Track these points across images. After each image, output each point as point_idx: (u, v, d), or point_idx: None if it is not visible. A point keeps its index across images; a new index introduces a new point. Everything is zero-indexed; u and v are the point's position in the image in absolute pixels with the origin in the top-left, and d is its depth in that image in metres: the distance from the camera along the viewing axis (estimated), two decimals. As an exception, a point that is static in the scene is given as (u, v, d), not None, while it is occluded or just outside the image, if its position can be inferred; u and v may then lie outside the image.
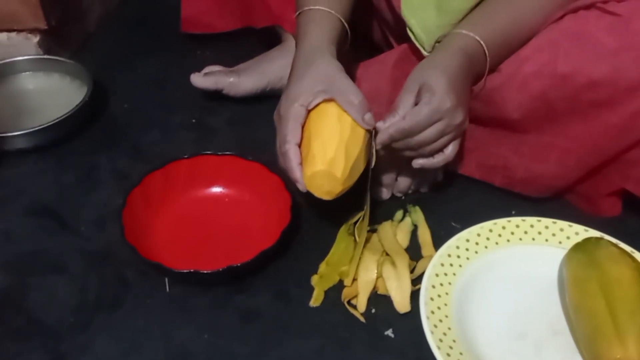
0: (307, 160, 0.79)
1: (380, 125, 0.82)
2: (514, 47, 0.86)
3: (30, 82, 1.18)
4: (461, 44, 0.83)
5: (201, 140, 1.10)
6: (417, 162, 0.85)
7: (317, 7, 0.88)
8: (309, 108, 0.82)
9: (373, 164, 0.85)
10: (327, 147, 0.79)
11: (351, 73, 1.00)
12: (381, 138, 0.82)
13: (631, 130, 0.82)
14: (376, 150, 0.84)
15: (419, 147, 0.82)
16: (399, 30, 0.97)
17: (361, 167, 0.82)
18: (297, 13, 0.91)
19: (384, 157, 0.96)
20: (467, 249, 0.83)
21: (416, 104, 0.81)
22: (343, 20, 0.90)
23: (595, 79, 0.80)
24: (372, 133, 0.83)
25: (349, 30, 0.91)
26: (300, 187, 0.81)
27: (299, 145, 0.81)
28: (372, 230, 0.90)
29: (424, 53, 0.92)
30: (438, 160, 0.85)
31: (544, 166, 0.90)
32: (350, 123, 0.80)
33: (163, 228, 0.91)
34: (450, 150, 0.84)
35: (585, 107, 0.83)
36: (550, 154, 0.88)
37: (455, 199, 0.97)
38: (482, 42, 0.83)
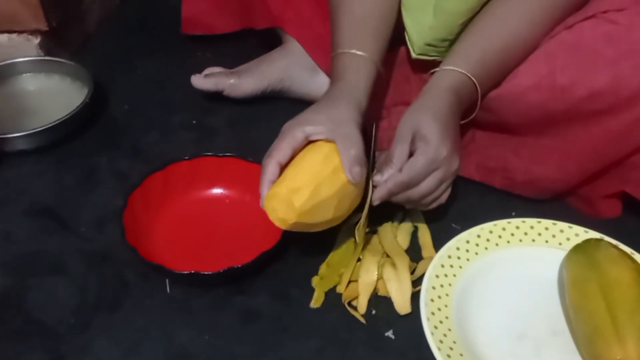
0: (276, 181, 0.79)
1: (377, 179, 0.81)
2: (507, 72, 0.86)
3: (31, 84, 1.18)
4: (450, 82, 0.83)
5: (201, 141, 1.10)
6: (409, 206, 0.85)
7: (353, 52, 0.87)
8: (310, 139, 0.81)
9: (368, 202, 0.83)
10: (299, 175, 0.78)
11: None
12: (380, 193, 0.80)
13: (631, 136, 0.82)
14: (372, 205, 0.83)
15: (421, 199, 0.82)
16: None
17: (328, 215, 0.79)
18: (335, 53, 0.89)
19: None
20: (467, 250, 0.83)
21: (411, 152, 0.80)
22: (378, 64, 0.88)
23: (595, 90, 0.80)
24: (368, 185, 0.83)
25: (382, 72, 0.90)
26: (260, 203, 0.79)
27: (282, 167, 0.80)
28: (373, 232, 0.90)
29: (413, 55, 0.93)
30: (432, 205, 0.84)
31: (543, 169, 0.90)
32: (334, 166, 0.78)
33: (163, 229, 0.91)
34: (445, 196, 0.84)
35: (585, 115, 0.83)
36: (550, 157, 0.89)
37: (455, 200, 0.97)
38: (472, 77, 0.83)
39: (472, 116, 0.87)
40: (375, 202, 0.82)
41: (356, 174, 0.78)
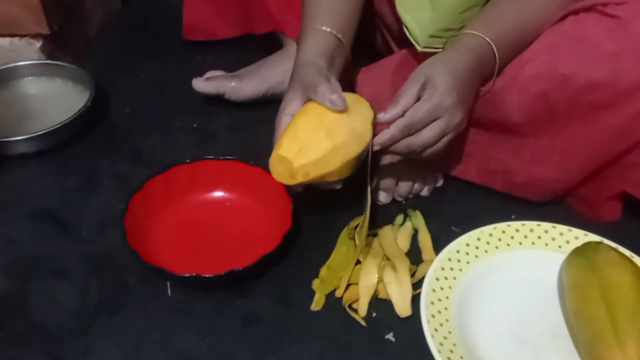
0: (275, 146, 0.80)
1: (381, 116, 0.81)
2: (521, 46, 0.87)
3: (33, 87, 1.19)
4: (471, 45, 0.83)
5: (202, 144, 1.10)
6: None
7: (314, 27, 0.89)
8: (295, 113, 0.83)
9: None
10: (289, 136, 0.79)
11: (352, 82, 1.01)
12: (382, 138, 0.81)
13: (630, 132, 0.82)
14: (377, 158, 0.83)
15: (422, 149, 0.82)
16: (400, 33, 0.97)
17: (331, 165, 0.79)
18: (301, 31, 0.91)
19: (385, 162, 0.97)
20: (467, 253, 0.84)
21: (419, 98, 0.80)
22: (339, 36, 0.89)
23: (595, 81, 0.80)
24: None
25: (347, 45, 0.91)
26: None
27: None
28: (373, 235, 0.90)
29: (418, 48, 0.93)
30: (429, 155, 0.84)
31: (544, 170, 0.90)
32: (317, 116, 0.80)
33: (164, 232, 0.91)
34: (442, 148, 0.83)
35: (585, 109, 0.83)
36: (551, 158, 0.89)
37: (455, 203, 0.97)
38: (492, 44, 0.83)
39: (488, 84, 0.87)
40: (376, 148, 0.82)
41: (335, 100, 0.79)
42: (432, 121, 0.80)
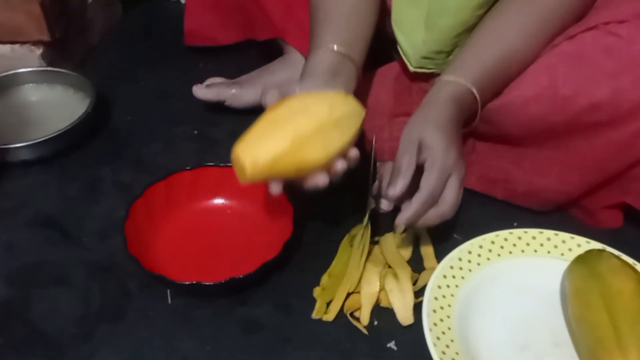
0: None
1: (392, 192, 0.78)
2: (506, 82, 0.86)
3: (34, 94, 1.19)
4: (451, 93, 0.82)
5: (203, 151, 1.10)
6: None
7: (319, 44, 0.87)
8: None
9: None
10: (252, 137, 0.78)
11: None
12: (405, 216, 0.78)
13: (633, 148, 0.82)
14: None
15: (452, 210, 0.80)
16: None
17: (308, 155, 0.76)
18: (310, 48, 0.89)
19: (387, 169, 0.97)
20: (469, 261, 0.84)
21: (418, 165, 0.79)
22: (346, 52, 0.86)
23: (596, 101, 0.80)
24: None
25: (356, 60, 0.88)
26: None
27: None
28: (374, 243, 0.90)
29: (410, 69, 0.94)
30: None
31: (545, 180, 0.90)
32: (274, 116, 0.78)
33: (165, 239, 0.91)
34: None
35: (586, 127, 0.83)
36: (552, 169, 0.89)
37: (457, 211, 0.97)
38: (472, 89, 0.83)
39: (472, 125, 0.87)
40: (402, 223, 0.80)
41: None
42: (446, 182, 0.79)
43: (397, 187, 0.77)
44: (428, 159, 0.78)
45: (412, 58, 0.94)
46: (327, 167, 0.77)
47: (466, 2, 0.87)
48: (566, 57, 0.82)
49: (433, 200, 0.78)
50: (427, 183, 0.77)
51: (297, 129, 0.75)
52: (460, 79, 0.83)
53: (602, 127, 0.82)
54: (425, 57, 0.93)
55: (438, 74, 0.87)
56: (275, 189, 0.78)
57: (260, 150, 0.75)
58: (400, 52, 0.95)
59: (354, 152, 0.79)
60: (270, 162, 0.74)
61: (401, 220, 0.79)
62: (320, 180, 0.77)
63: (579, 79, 0.81)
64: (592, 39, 0.81)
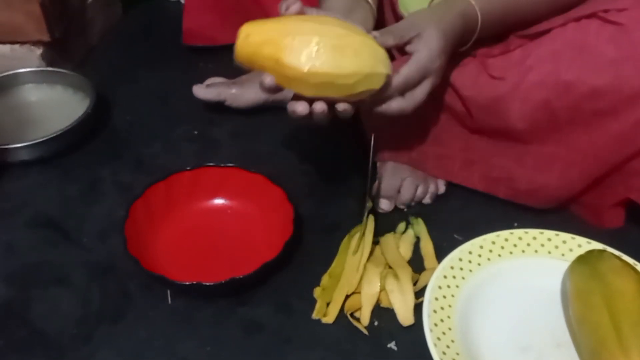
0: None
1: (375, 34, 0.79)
2: (508, 25, 0.87)
3: (33, 94, 1.19)
4: (461, 9, 0.84)
5: (204, 152, 1.10)
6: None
7: None
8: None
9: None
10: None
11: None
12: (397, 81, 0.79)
13: (633, 139, 0.82)
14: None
15: (414, 107, 0.81)
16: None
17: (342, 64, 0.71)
18: None
19: (387, 169, 0.97)
20: (469, 261, 0.83)
21: (405, 43, 0.80)
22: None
23: (597, 88, 0.81)
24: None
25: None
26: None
27: None
28: (375, 243, 0.90)
29: None
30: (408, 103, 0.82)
31: (547, 177, 0.90)
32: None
33: (165, 240, 0.91)
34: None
35: (588, 116, 0.83)
36: (554, 165, 0.89)
37: (458, 210, 0.97)
38: (479, 13, 0.84)
39: (464, 47, 0.87)
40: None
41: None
42: (422, 80, 0.80)
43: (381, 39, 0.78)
44: (417, 52, 0.79)
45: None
46: (312, 94, 0.73)
47: None
48: (571, 45, 0.83)
49: (404, 89, 0.80)
50: (408, 70, 0.79)
51: (314, 29, 0.70)
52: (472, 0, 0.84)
53: (603, 117, 0.82)
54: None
55: None
56: (269, 80, 0.74)
57: (259, 27, 0.72)
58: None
59: (344, 106, 0.75)
60: (259, 42, 0.71)
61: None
62: (299, 108, 0.74)
63: (581, 65, 0.82)
64: (596, 29, 0.82)
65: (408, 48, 0.81)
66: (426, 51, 0.79)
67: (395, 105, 0.80)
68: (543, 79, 0.84)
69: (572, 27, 0.84)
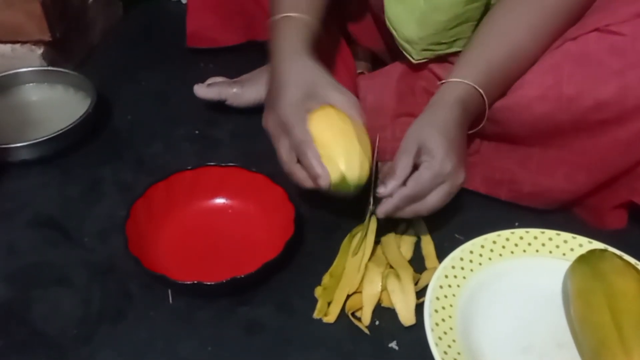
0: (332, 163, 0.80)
1: (381, 191, 0.80)
2: (513, 79, 0.86)
3: (34, 94, 1.19)
4: (457, 94, 0.83)
5: (204, 151, 1.10)
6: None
7: (287, 15, 0.88)
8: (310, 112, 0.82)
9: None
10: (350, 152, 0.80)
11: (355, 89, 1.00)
12: (385, 207, 0.80)
13: (639, 145, 0.82)
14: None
15: (428, 213, 0.82)
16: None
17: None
18: (269, 25, 0.90)
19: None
20: (470, 261, 0.83)
21: (415, 165, 0.80)
22: (315, 20, 0.89)
23: (601, 100, 0.80)
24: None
25: (317, 21, 0.90)
26: (324, 182, 0.79)
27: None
28: (376, 242, 0.90)
29: (413, 61, 0.94)
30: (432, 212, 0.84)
31: (551, 180, 0.89)
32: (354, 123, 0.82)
33: (166, 240, 0.91)
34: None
35: (592, 125, 0.83)
36: (558, 168, 0.88)
37: (458, 210, 0.97)
38: (479, 89, 0.83)
39: (479, 126, 0.87)
40: (380, 216, 0.81)
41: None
42: (435, 187, 0.79)
43: (388, 188, 0.79)
44: (425, 161, 0.78)
45: (413, 52, 0.94)
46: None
47: None
48: (571, 56, 0.82)
49: (415, 200, 0.80)
50: (416, 182, 0.79)
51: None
52: (466, 79, 0.83)
53: (608, 125, 0.82)
54: (425, 50, 0.93)
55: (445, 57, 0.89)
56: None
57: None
58: (400, 47, 0.95)
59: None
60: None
61: (379, 212, 0.81)
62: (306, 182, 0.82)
63: (583, 78, 0.81)
64: (596, 39, 0.81)
65: (417, 162, 0.80)
66: (430, 158, 0.78)
67: (408, 210, 0.81)
68: (544, 93, 0.83)
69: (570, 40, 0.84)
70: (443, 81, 0.86)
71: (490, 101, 0.84)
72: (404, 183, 0.79)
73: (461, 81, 0.83)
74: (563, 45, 0.84)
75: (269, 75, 0.88)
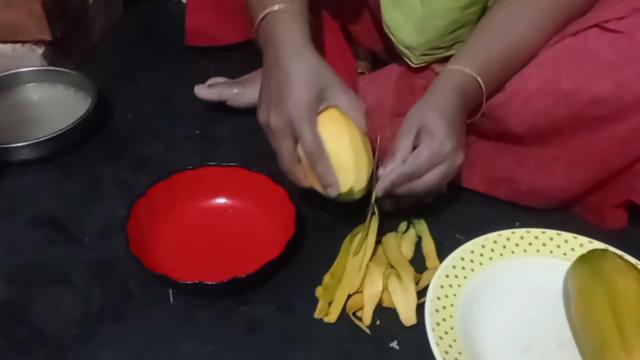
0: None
1: (380, 172, 0.81)
2: (512, 72, 0.86)
3: (35, 93, 1.19)
4: (457, 82, 0.83)
5: (205, 151, 1.10)
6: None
7: (282, 6, 0.84)
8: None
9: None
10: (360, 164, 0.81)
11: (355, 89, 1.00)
12: (383, 184, 0.81)
13: (636, 142, 0.82)
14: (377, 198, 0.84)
15: (424, 192, 0.82)
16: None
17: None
18: (262, 16, 0.86)
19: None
20: (471, 261, 0.83)
21: (415, 147, 0.81)
22: (306, 10, 0.86)
23: (599, 96, 0.80)
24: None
25: (312, 17, 0.88)
26: (333, 192, 0.81)
27: None
28: (376, 242, 0.90)
29: (412, 65, 0.95)
30: (431, 198, 0.85)
31: (549, 179, 0.90)
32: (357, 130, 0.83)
33: (167, 239, 0.91)
34: (445, 188, 0.85)
35: (590, 121, 0.83)
36: (556, 166, 0.88)
37: (459, 210, 0.97)
38: (477, 78, 0.83)
39: (477, 116, 0.87)
40: (379, 193, 0.82)
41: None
42: (434, 167, 0.80)
43: (387, 168, 0.80)
44: (425, 140, 0.79)
45: (412, 57, 0.94)
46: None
47: (454, 3, 0.88)
48: (570, 51, 0.83)
49: (412, 178, 0.80)
50: (414, 160, 0.79)
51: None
52: (465, 67, 0.83)
53: (605, 122, 0.82)
54: (424, 54, 0.94)
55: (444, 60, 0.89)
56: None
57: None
58: (400, 52, 0.95)
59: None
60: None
61: (378, 190, 0.81)
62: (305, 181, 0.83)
63: (582, 72, 0.81)
64: (595, 35, 0.81)
65: (417, 143, 0.81)
66: (430, 138, 0.79)
67: (404, 188, 0.82)
68: (543, 86, 0.83)
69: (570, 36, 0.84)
70: (443, 68, 0.86)
71: (488, 92, 0.85)
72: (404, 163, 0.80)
73: (460, 69, 0.84)
74: (563, 40, 0.84)
75: (265, 69, 0.86)
